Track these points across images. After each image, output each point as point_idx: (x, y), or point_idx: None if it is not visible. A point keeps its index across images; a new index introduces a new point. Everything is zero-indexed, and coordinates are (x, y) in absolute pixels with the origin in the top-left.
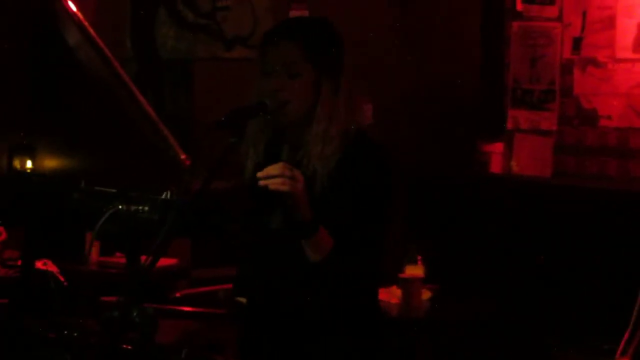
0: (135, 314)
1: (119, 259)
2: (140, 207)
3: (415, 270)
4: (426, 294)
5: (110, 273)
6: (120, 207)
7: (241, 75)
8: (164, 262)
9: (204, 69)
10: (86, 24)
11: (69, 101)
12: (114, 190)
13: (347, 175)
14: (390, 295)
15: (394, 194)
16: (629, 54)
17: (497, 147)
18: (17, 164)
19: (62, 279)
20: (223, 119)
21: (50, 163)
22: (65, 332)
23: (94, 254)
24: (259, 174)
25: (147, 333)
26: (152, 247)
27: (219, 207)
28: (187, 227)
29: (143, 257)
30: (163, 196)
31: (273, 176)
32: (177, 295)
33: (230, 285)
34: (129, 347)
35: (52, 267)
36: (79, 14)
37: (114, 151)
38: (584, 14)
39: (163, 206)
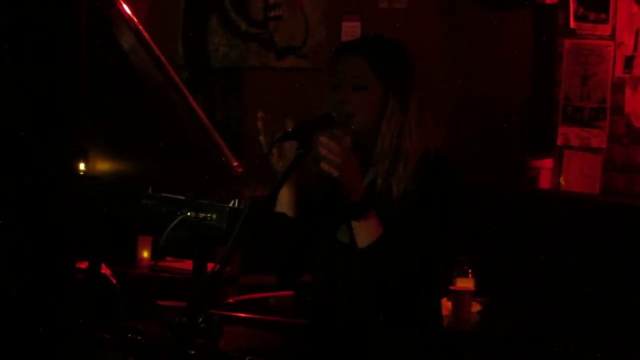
0: (201, 320)
1: (170, 262)
2: (208, 215)
3: (465, 283)
4: (476, 307)
5: (161, 277)
6: (188, 213)
7: (292, 85)
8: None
9: (254, 77)
10: (141, 28)
11: (122, 105)
12: (182, 197)
13: (423, 199)
14: (441, 308)
15: (463, 217)
16: None
17: (547, 163)
18: None
19: (114, 281)
20: (291, 130)
21: (103, 166)
22: (129, 335)
23: (145, 257)
24: (321, 138)
25: (212, 339)
26: (219, 255)
27: (285, 217)
28: (254, 236)
29: (210, 265)
30: (231, 204)
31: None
32: (230, 301)
33: (281, 293)
34: (193, 353)
35: (105, 270)
36: (134, 18)
37: (166, 157)
38: (637, 33)
39: (231, 214)
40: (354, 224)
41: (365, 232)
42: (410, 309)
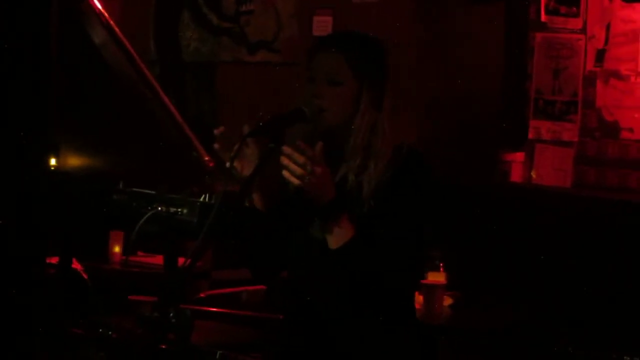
0: (172, 314)
1: (142, 258)
2: (179, 210)
3: (437, 277)
4: (448, 301)
5: (133, 272)
6: (159, 208)
7: (264, 79)
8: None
9: (226, 72)
10: (112, 23)
11: (93, 100)
12: (153, 192)
13: (395, 194)
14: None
15: (436, 214)
16: None
17: (518, 157)
18: None
19: (85, 277)
20: (261, 124)
21: (73, 162)
22: (100, 330)
23: (117, 252)
24: (285, 149)
25: (183, 334)
26: (190, 249)
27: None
28: (225, 230)
29: (181, 259)
30: (202, 199)
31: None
32: (202, 295)
33: (253, 287)
34: (165, 347)
35: (76, 265)
36: (105, 13)
37: (138, 151)
38: (608, 27)
39: (202, 209)
40: (325, 226)
41: (336, 234)
42: (384, 304)
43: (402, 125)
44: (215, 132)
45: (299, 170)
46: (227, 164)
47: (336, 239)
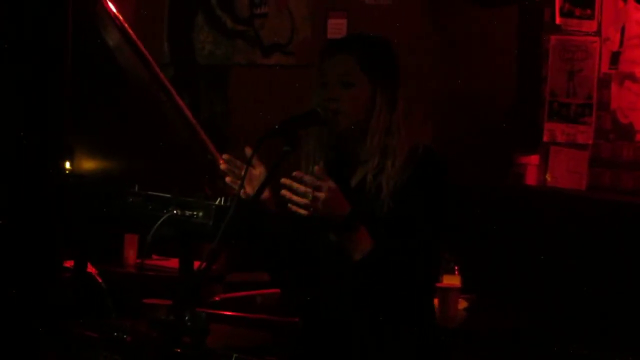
0: (187, 318)
1: (157, 261)
2: (195, 213)
3: (452, 280)
4: (462, 304)
5: (147, 275)
6: (174, 211)
7: (277, 82)
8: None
9: (240, 74)
10: (126, 25)
11: (107, 102)
12: (168, 195)
13: (413, 195)
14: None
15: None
16: None
17: (533, 160)
18: None
19: (100, 280)
20: (276, 127)
21: (88, 164)
22: (115, 333)
23: (132, 256)
24: (283, 181)
25: (199, 337)
26: (205, 252)
27: (272, 214)
28: (241, 234)
29: (196, 263)
30: (217, 202)
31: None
32: (216, 299)
33: (267, 290)
34: (180, 351)
35: (91, 269)
36: (120, 16)
37: (152, 154)
38: (623, 29)
39: (217, 212)
40: (345, 240)
41: (357, 246)
42: (405, 307)
43: (417, 126)
44: (222, 162)
45: (302, 201)
46: (237, 189)
47: (358, 250)
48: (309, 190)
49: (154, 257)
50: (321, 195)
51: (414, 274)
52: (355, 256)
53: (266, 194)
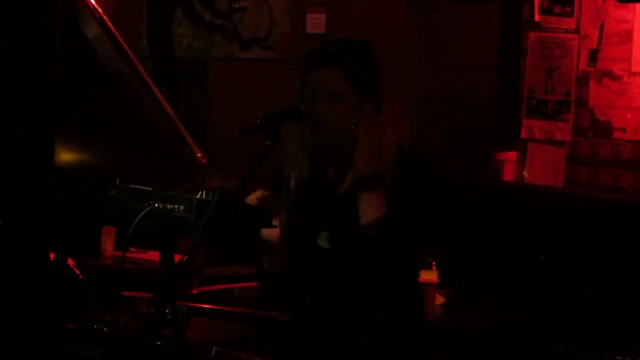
0: (168, 311)
1: (134, 254)
2: (176, 206)
3: (429, 276)
4: (440, 299)
5: (125, 268)
6: (156, 205)
7: (256, 76)
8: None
9: (219, 68)
10: (106, 18)
11: (87, 95)
12: (149, 189)
13: (404, 201)
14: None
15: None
16: None
17: (511, 156)
18: None
19: (77, 272)
20: (258, 122)
21: (66, 157)
22: (96, 326)
23: (109, 248)
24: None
25: (179, 330)
26: (185, 246)
27: (254, 209)
28: (222, 228)
29: (177, 256)
30: (198, 196)
31: None
32: (194, 292)
33: (245, 284)
34: (161, 344)
35: (68, 261)
36: (99, 8)
37: (131, 148)
38: (602, 27)
39: (199, 206)
40: (364, 195)
41: (371, 205)
42: (396, 301)
43: (396, 123)
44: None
45: None
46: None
47: (371, 211)
48: None
49: (132, 249)
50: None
51: (407, 262)
52: (365, 218)
53: (261, 192)
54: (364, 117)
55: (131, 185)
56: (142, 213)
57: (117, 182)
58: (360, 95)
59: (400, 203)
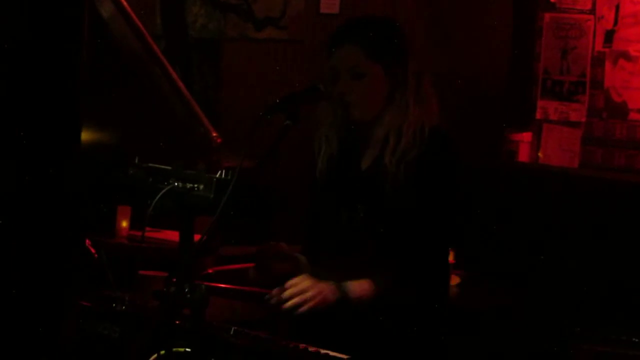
0: (187, 290)
1: (149, 233)
2: (195, 185)
3: None
4: (454, 280)
5: (140, 247)
6: (175, 184)
7: (270, 56)
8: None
9: (233, 48)
10: None
11: (103, 74)
12: (169, 168)
13: (423, 175)
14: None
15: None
16: None
17: (526, 137)
18: None
19: (92, 250)
20: (278, 101)
21: (83, 136)
22: (114, 305)
23: (125, 227)
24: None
25: (198, 309)
26: (203, 225)
27: (273, 189)
28: (241, 207)
29: (196, 236)
30: (218, 175)
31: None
32: (209, 271)
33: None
34: (179, 323)
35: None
36: None
37: (146, 127)
38: (617, 7)
39: (218, 184)
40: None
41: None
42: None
43: (425, 105)
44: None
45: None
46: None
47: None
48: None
49: (147, 229)
50: (308, 295)
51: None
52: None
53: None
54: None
55: (150, 164)
56: (162, 192)
57: (136, 160)
58: (385, 71)
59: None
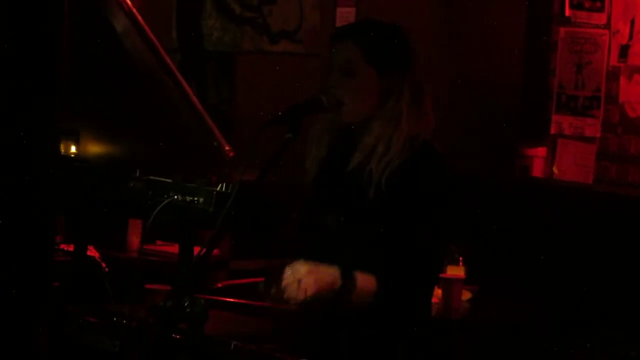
0: (186, 304)
1: (160, 246)
2: (195, 198)
3: (456, 271)
4: (466, 295)
5: (150, 260)
6: (175, 197)
7: (285, 70)
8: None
9: (248, 62)
10: (135, 11)
11: (114, 88)
12: (169, 180)
13: (407, 184)
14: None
15: (453, 208)
16: None
17: (540, 152)
18: (61, 148)
19: (103, 264)
20: (280, 113)
21: (94, 149)
22: (115, 318)
23: (135, 241)
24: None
25: (197, 324)
26: (205, 238)
27: (274, 201)
28: (241, 220)
29: (196, 248)
30: (218, 188)
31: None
32: (219, 285)
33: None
34: (179, 337)
35: (93, 253)
36: (128, 1)
37: (158, 140)
38: (632, 22)
39: (218, 198)
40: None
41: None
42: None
43: (419, 116)
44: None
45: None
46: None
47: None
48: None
49: (158, 242)
50: (304, 284)
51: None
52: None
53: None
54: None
55: (151, 177)
56: (160, 205)
57: (137, 173)
58: (380, 75)
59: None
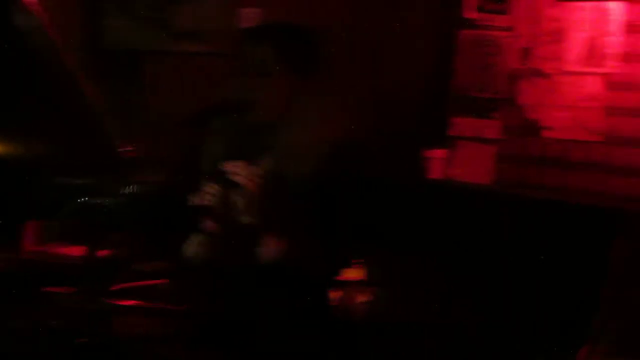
0: (92, 306)
1: (59, 248)
2: (103, 199)
3: (354, 273)
4: (364, 297)
5: (48, 262)
6: (82, 198)
7: (190, 69)
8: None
9: (153, 61)
10: (38, 8)
11: (17, 86)
12: (77, 181)
13: (319, 185)
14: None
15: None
16: (576, 68)
17: (439, 153)
18: None
19: None
20: (191, 115)
21: None
22: (9, 322)
23: (31, 242)
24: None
25: (103, 326)
26: (111, 240)
27: (181, 202)
28: (148, 220)
29: (102, 251)
30: (126, 189)
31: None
32: (118, 287)
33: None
34: (84, 340)
35: None
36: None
37: (61, 140)
38: (534, 26)
39: (126, 199)
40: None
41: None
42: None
43: (332, 119)
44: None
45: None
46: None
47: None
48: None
49: (55, 244)
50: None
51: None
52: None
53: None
54: (292, 97)
55: (57, 178)
56: (68, 206)
57: (44, 174)
58: (290, 74)
59: (307, 199)
